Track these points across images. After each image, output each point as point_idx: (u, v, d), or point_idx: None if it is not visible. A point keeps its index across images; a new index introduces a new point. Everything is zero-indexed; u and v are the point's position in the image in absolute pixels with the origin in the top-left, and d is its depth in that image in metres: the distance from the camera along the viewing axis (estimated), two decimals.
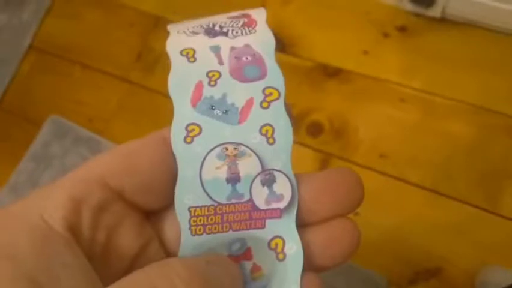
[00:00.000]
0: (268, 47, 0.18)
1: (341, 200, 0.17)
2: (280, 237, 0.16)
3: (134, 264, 0.16)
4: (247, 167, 0.16)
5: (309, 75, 0.97)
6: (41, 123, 1.03)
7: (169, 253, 0.17)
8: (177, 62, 0.17)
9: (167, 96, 0.18)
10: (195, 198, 0.16)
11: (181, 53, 0.18)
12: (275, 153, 0.16)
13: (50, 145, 0.98)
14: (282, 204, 0.16)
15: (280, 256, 0.15)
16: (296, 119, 0.94)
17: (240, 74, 0.17)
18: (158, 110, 0.90)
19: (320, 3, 1.03)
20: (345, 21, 1.01)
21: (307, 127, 0.93)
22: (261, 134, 0.17)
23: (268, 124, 0.17)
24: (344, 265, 0.52)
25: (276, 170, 0.16)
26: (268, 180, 0.16)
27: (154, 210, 0.17)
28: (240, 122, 0.16)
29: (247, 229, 0.15)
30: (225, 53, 0.18)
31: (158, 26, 1.06)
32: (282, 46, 1.00)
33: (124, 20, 1.11)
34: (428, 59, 0.95)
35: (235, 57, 0.17)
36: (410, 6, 0.95)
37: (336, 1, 1.02)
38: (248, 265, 0.15)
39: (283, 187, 0.16)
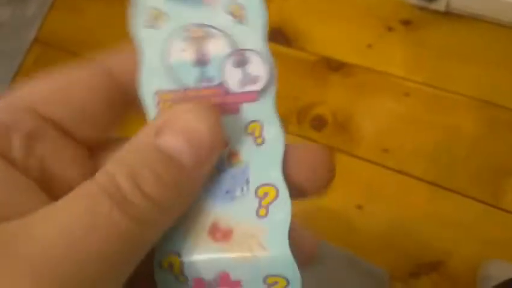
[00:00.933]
0: None
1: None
2: (257, 121, 0.15)
3: None
4: (216, 48, 0.15)
5: (313, 69, 0.97)
6: None
7: None
8: None
9: None
10: (161, 83, 0.15)
11: None
12: (246, 33, 0.15)
13: None
14: (258, 86, 0.15)
15: (258, 141, 0.14)
16: (300, 113, 0.95)
17: None
18: None
19: None
20: (349, 14, 1.01)
21: (310, 121, 0.93)
22: (229, 13, 0.15)
23: (236, 2, 0.15)
24: (347, 258, 0.52)
25: (249, 50, 0.15)
26: (241, 61, 0.15)
27: (93, 143, 0.16)
28: (204, 2, 0.15)
29: (221, 115, 0.14)
30: None
31: None
32: (286, 40, 1.00)
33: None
34: (433, 53, 0.95)
35: None
36: (414, 0, 0.95)
37: None
38: (224, 152, 0.14)
39: (258, 68, 0.15)
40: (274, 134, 0.14)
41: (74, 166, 0.15)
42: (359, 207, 0.85)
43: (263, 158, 0.14)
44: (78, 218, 0.11)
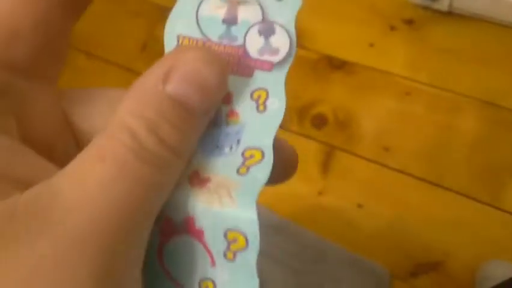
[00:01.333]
0: None
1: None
2: (265, 89, 0.15)
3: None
4: (248, 13, 0.15)
5: (315, 67, 0.97)
6: None
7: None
8: None
9: None
10: (186, 28, 0.15)
11: None
12: (280, 10, 0.16)
13: None
14: (275, 58, 0.15)
15: (261, 108, 0.15)
16: (301, 111, 0.95)
17: None
18: None
19: None
20: (352, 13, 1.01)
21: (311, 119, 0.93)
22: None
23: None
24: (348, 256, 0.52)
25: (278, 24, 0.15)
26: (267, 31, 0.15)
27: (54, 75, 0.15)
28: None
29: (233, 74, 0.15)
30: None
31: (165, 16, 1.06)
32: None
33: (131, 10, 1.11)
34: (435, 53, 0.95)
35: None
36: None
37: None
38: (225, 108, 0.15)
39: (280, 41, 0.15)
40: (277, 106, 0.15)
41: (48, 119, 0.14)
42: (360, 205, 0.85)
43: (260, 124, 0.15)
44: (111, 181, 0.12)
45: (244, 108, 0.15)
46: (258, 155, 0.14)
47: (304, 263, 0.46)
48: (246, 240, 0.14)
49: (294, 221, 0.54)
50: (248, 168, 0.14)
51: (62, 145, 0.14)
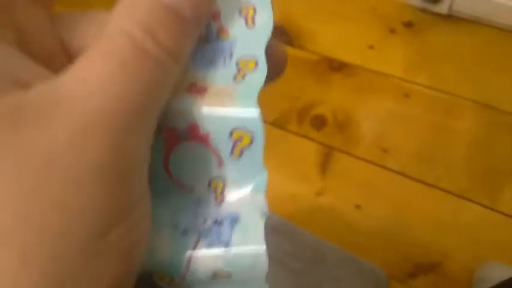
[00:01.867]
0: None
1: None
2: (252, 5, 0.15)
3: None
4: None
5: (315, 68, 0.98)
6: None
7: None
8: None
9: None
10: None
11: None
12: None
13: None
14: None
15: (250, 24, 0.15)
16: (300, 112, 0.95)
17: None
18: None
19: None
20: (352, 15, 1.01)
21: (311, 120, 0.93)
22: None
23: None
24: (345, 256, 0.52)
25: None
26: None
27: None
28: None
29: None
30: None
31: None
32: (289, 39, 1.00)
33: None
34: (434, 55, 0.95)
35: None
36: (417, 2, 0.96)
37: None
38: (214, 26, 0.15)
39: None
40: (265, 20, 0.15)
41: (45, 39, 0.15)
42: (358, 206, 0.85)
43: (251, 38, 0.15)
44: (112, 76, 0.12)
45: (233, 24, 0.15)
46: (251, 64, 0.15)
47: (302, 263, 0.46)
48: (251, 136, 0.14)
49: (292, 222, 0.55)
50: (244, 76, 0.15)
51: (58, 65, 0.14)
